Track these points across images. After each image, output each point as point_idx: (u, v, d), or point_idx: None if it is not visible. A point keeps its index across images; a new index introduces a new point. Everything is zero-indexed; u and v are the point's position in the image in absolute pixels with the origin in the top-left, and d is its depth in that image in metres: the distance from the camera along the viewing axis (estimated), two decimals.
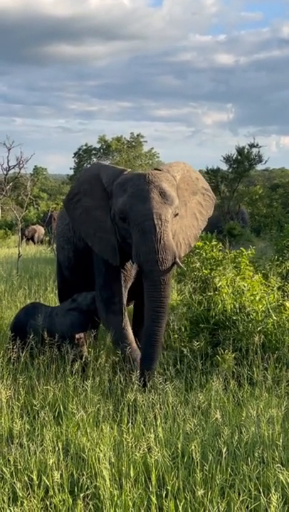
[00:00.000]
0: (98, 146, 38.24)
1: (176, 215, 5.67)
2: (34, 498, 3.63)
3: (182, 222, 6.00)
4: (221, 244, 7.83)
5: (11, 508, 3.41)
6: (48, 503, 3.68)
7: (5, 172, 13.36)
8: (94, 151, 38.30)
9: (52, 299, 8.87)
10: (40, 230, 24.72)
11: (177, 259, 5.51)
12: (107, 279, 6.18)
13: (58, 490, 3.71)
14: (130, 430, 4.30)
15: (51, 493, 3.72)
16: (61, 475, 3.79)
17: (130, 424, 4.41)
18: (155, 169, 5.97)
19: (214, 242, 7.77)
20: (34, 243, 23.61)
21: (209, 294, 6.77)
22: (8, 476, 3.77)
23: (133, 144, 37.39)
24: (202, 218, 6.39)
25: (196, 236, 6.34)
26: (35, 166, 47.29)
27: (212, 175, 21.10)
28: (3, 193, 14.07)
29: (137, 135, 37.61)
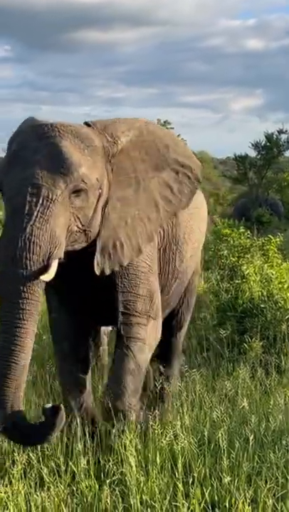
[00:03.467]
0: None
1: (78, 191, 3.65)
2: (61, 483, 3.66)
3: (128, 209, 4.01)
4: (248, 232, 7.79)
5: (38, 493, 3.44)
6: (74, 488, 3.71)
7: None
8: None
9: None
10: None
11: (52, 263, 3.53)
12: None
13: (85, 476, 3.73)
14: (157, 417, 4.30)
15: (78, 478, 3.75)
16: (88, 461, 3.82)
17: (156, 411, 4.41)
18: (85, 123, 3.98)
19: (242, 230, 7.74)
20: None
21: (237, 281, 6.74)
22: (36, 461, 3.80)
23: None
24: (168, 209, 4.20)
25: (151, 235, 4.14)
26: None
27: (240, 161, 20.97)
28: None
29: (164, 122, 37.44)
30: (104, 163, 3.90)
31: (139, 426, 4.08)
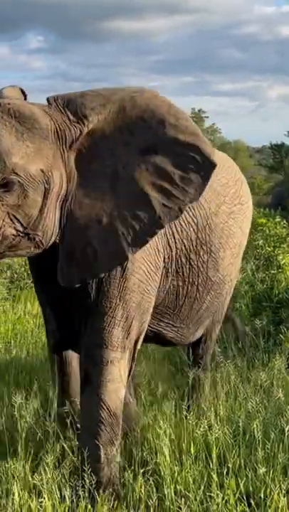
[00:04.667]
0: None
1: (8, 185, 3.00)
2: None
3: (102, 206, 3.25)
4: (284, 221, 7.71)
5: (72, 482, 3.46)
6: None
7: None
8: None
9: None
10: None
11: None
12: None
13: (119, 465, 3.73)
14: (191, 408, 4.29)
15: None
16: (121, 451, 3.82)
17: (191, 401, 4.39)
18: (48, 100, 3.30)
19: (278, 219, 7.66)
20: None
21: (272, 271, 6.68)
22: (70, 451, 3.82)
23: (194, 119, 36.99)
24: (169, 204, 3.28)
25: (142, 239, 3.29)
26: None
27: (276, 150, 20.78)
28: None
29: (198, 110, 37.26)
30: (57, 150, 3.16)
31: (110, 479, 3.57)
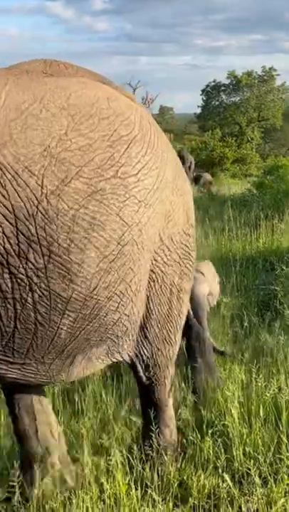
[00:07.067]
0: (227, 82, 37.37)
1: None
2: None
3: None
4: None
5: (140, 442, 3.47)
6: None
7: None
8: (223, 88, 37.50)
9: None
10: None
11: None
12: None
13: (185, 427, 3.73)
14: (260, 371, 4.22)
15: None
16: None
17: (260, 365, 4.32)
18: None
19: None
20: None
21: None
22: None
23: (265, 78, 36.07)
24: None
25: None
26: (161, 106, 47.42)
27: None
28: None
29: (269, 68, 36.24)
30: None
31: None
